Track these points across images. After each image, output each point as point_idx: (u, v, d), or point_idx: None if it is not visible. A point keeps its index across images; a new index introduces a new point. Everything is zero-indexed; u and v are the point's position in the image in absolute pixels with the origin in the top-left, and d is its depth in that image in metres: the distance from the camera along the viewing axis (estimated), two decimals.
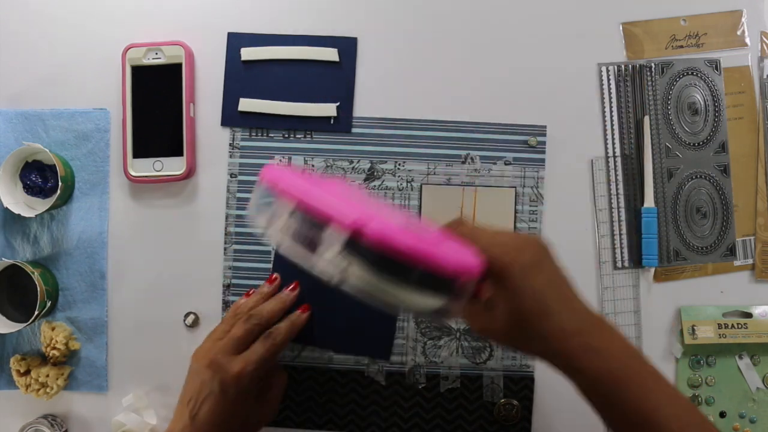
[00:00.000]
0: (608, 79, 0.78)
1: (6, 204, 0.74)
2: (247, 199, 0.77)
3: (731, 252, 0.78)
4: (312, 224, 0.50)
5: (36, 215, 0.74)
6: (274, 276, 0.75)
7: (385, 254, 0.47)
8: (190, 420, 0.66)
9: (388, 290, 0.49)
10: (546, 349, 0.56)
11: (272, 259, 0.77)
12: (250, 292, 0.74)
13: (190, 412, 0.66)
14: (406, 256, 0.47)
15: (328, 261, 0.49)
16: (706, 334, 0.77)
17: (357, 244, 0.47)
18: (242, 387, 0.66)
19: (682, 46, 0.78)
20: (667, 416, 0.53)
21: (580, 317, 0.56)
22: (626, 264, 0.78)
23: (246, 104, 0.77)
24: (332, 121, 0.77)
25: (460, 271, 0.50)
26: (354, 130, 0.77)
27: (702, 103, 0.78)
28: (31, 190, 0.76)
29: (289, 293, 0.74)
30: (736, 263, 0.78)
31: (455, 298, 0.52)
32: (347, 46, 0.77)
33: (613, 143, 0.78)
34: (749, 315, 0.77)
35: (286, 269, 0.76)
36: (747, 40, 0.79)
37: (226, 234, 0.77)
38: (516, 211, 0.77)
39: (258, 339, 0.69)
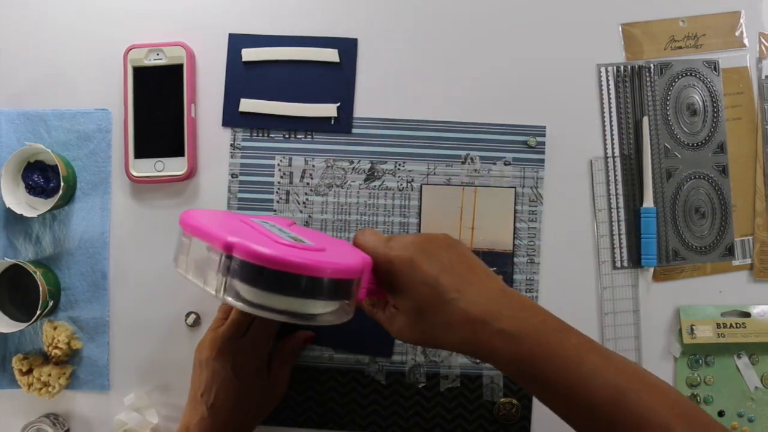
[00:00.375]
0: (607, 80, 0.78)
1: (8, 204, 0.74)
2: (248, 199, 0.78)
3: (730, 252, 0.78)
4: (203, 251, 0.53)
5: (38, 215, 0.74)
6: None
7: (257, 266, 0.49)
8: (208, 410, 0.67)
9: (272, 301, 0.50)
10: (454, 338, 0.55)
11: None
12: None
13: (206, 403, 0.67)
14: (274, 265, 0.49)
15: (213, 283, 0.51)
16: (705, 333, 0.77)
17: (233, 261, 0.50)
18: (253, 368, 0.68)
19: (680, 47, 0.79)
20: (598, 385, 0.51)
21: (485, 300, 0.55)
22: (625, 264, 0.78)
23: (247, 105, 0.77)
24: (333, 122, 0.77)
25: (336, 271, 0.52)
26: (354, 130, 0.78)
27: (701, 103, 0.78)
28: (33, 190, 0.76)
29: None
30: (735, 263, 0.79)
31: (345, 298, 0.53)
32: (347, 47, 0.78)
33: (612, 144, 0.78)
34: (747, 315, 0.78)
35: None
36: (745, 41, 0.79)
37: None
38: (515, 212, 0.77)
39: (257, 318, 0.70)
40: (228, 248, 0.50)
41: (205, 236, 0.53)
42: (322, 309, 0.52)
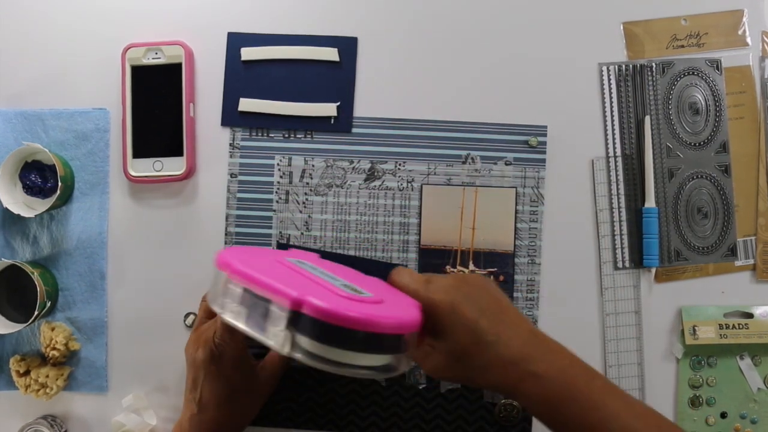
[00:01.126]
0: (609, 79, 0.78)
1: (5, 204, 0.74)
2: (247, 199, 0.77)
3: (732, 252, 0.78)
4: (259, 304, 0.53)
5: (35, 215, 0.74)
6: None
7: (325, 326, 0.50)
8: (197, 406, 0.68)
9: (335, 357, 0.51)
10: (489, 380, 0.58)
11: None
12: None
13: (194, 399, 0.68)
14: (345, 324, 0.50)
15: (276, 337, 0.52)
16: (707, 334, 0.76)
17: (299, 320, 0.51)
18: (232, 358, 0.67)
19: (683, 46, 0.78)
20: (617, 428, 0.55)
21: (518, 343, 0.58)
22: (627, 264, 0.78)
23: (246, 104, 0.77)
24: (332, 121, 0.77)
25: (399, 328, 0.53)
26: (354, 130, 0.77)
27: (703, 102, 0.78)
28: (30, 190, 0.76)
29: None
30: (737, 263, 0.78)
31: (401, 351, 0.55)
32: (347, 46, 0.77)
33: (614, 143, 0.78)
34: (750, 315, 0.77)
35: None
36: (748, 40, 0.79)
37: (226, 234, 0.77)
38: (516, 212, 0.77)
39: None
40: (297, 305, 0.51)
41: (266, 289, 0.53)
42: (384, 361, 0.54)
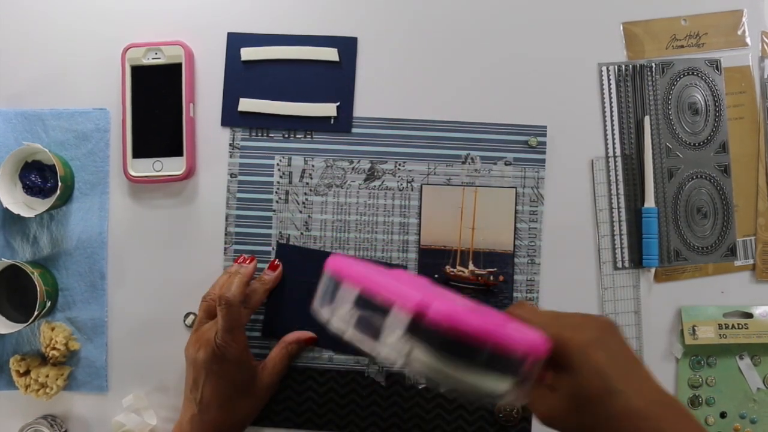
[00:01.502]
0: (608, 79, 0.78)
1: (5, 204, 0.74)
2: (247, 200, 0.77)
3: (732, 252, 0.78)
4: (375, 310, 0.49)
5: (35, 215, 0.74)
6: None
7: (449, 336, 0.46)
8: (197, 406, 0.68)
9: (453, 373, 0.47)
10: (613, 431, 0.53)
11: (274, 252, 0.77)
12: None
13: (195, 399, 0.68)
14: (472, 336, 0.46)
15: (391, 346, 0.48)
16: (707, 334, 0.76)
17: (420, 328, 0.46)
18: (232, 358, 0.68)
19: (682, 46, 0.78)
20: None
21: (649, 397, 0.53)
22: (627, 264, 0.78)
23: (246, 104, 0.77)
24: (332, 121, 0.77)
25: (528, 350, 0.49)
26: (354, 130, 0.77)
27: (702, 103, 0.78)
28: (30, 190, 0.76)
29: (246, 266, 0.74)
30: (737, 263, 0.78)
31: (523, 379, 0.50)
32: (347, 46, 0.77)
33: (614, 143, 0.78)
34: (750, 315, 0.77)
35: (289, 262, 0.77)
36: (748, 40, 0.79)
37: (226, 234, 0.77)
38: (516, 212, 0.77)
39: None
40: (420, 310, 0.46)
41: (387, 293, 0.49)
42: (504, 386, 0.49)
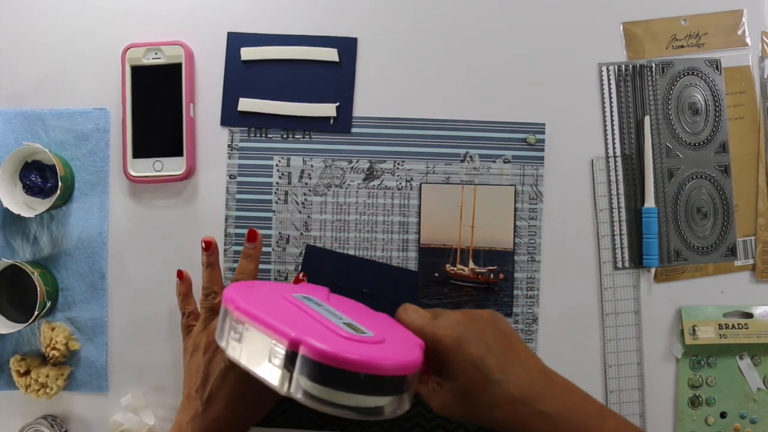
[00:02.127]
0: (608, 79, 0.78)
1: (6, 204, 0.74)
2: (246, 200, 0.77)
3: (732, 252, 0.78)
4: (262, 340, 0.54)
5: (36, 215, 0.74)
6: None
7: (325, 365, 0.50)
8: (203, 404, 0.67)
9: (336, 398, 0.51)
10: (496, 418, 0.57)
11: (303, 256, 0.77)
12: (182, 273, 0.76)
13: (200, 397, 0.67)
14: (343, 365, 0.50)
15: (276, 373, 0.52)
16: (707, 334, 0.76)
17: (301, 357, 0.51)
18: None
19: (682, 46, 0.78)
20: None
21: (528, 381, 0.57)
22: (627, 264, 0.77)
23: (246, 104, 0.77)
24: (332, 122, 0.77)
25: (399, 369, 0.52)
26: (353, 129, 0.77)
27: (702, 103, 0.78)
28: (30, 190, 0.76)
29: (254, 245, 0.74)
30: (737, 263, 0.78)
31: (402, 392, 0.54)
32: (347, 46, 0.77)
33: (614, 143, 0.78)
34: (750, 315, 0.77)
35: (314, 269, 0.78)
36: (747, 40, 0.79)
37: (225, 235, 0.77)
38: (516, 209, 0.77)
39: None
40: (295, 345, 0.51)
41: (267, 328, 0.53)
42: (386, 402, 0.53)
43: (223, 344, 0.58)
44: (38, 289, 0.72)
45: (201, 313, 0.72)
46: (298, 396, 0.51)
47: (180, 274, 0.75)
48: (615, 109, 0.78)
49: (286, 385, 0.51)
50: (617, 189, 0.78)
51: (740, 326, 0.77)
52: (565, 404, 0.57)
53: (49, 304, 0.75)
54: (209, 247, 0.73)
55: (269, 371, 0.52)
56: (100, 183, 0.78)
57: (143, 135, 0.76)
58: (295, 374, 0.51)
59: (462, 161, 0.77)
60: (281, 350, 0.51)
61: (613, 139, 0.78)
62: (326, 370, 0.50)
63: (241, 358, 0.55)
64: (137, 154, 0.76)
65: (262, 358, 0.53)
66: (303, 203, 0.77)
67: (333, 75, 0.77)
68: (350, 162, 0.77)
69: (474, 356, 0.57)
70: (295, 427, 0.77)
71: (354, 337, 0.54)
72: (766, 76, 0.78)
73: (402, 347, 0.57)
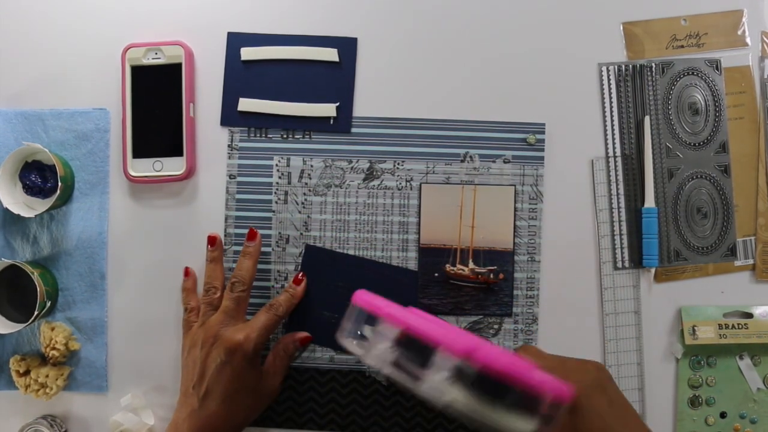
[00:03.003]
0: (608, 79, 0.78)
1: (6, 204, 0.74)
2: (246, 200, 0.77)
3: (732, 252, 0.78)
4: (417, 350, 0.54)
5: (35, 215, 0.74)
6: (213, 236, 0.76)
7: (489, 377, 0.50)
8: (199, 400, 0.68)
9: (486, 411, 0.52)
10: None
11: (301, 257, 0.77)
12: (188, 270, 0.77)
13: (197, 394, 0.68)
14: (510, 378, 0.51)
15: (436, 384, 0.52)
16: (707, 334, 0.76)
17: (463, 369, 0.51)
18: (248, 355, 0.68)
19: (682, 46, 0.78)
20: None
21: None
22: (627, 264, 0.77)
23: (245, 104, 0.77)
24: (332, 122, 0.77)
25: (556, 395, 0.53)
26: (353, 129, 0.77)
27: (702, 103, 0.78)
28: (30, 190, 0.76)
29: (254, 244, 0.74)
30: (737, 263, 0.78)
31: (546, 422, 0.53)
32: (347, 46, 0.77)
33: (614, 143, 0.78)
34: (750, 315, 0.77)
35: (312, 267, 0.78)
36: (747, 40, 0.79)
37: (225, 235, 0.77)
38: (516, 209, 0.77)
39: (261, 310, 0.72)
40: (467, 354, 0.51)
41: (432, 338, 0.53)
42: (530, 428, 0.53)
43: (357, 350, 0.59)
44: (38, 289, 0.72)
45: (201, 309, 0.73)
46: (452, 406, 0.51)
47: (186, 271, 0.76)
48: (615, 109, 0.78)
49: (448, 395, 0.52)
50: (617, 189, 0.78)
51: (740, 326, 0.77)
52: None
53: (48, 304, 0.75)
54: (214, 242, 0.74)
55: (427, 381, 0.53)
56: (100, 183, 0.78)
57: (143, 135, 0.76)
58: (457, 384, 0.51)
59: (462, 161, 0.77)
60: (448, 361, 0.52)
61: (613, 139, 0.78)
62: (489, 382, 0.50)
63: (386, 368, 0.55)
64: (137, 154, 0.76)
65: (416, 368, 0.54)
66: (303, 203, 0.77)
67: (333, 75, 0.77)
68: (350, 162, 0.77)
69: (601, 407, 0.58)
70: (295, 427, 0.77)
71: (506, 352, 0.56)
72: (766, 76, 0.78)
73: (554, 378, 0.56)
